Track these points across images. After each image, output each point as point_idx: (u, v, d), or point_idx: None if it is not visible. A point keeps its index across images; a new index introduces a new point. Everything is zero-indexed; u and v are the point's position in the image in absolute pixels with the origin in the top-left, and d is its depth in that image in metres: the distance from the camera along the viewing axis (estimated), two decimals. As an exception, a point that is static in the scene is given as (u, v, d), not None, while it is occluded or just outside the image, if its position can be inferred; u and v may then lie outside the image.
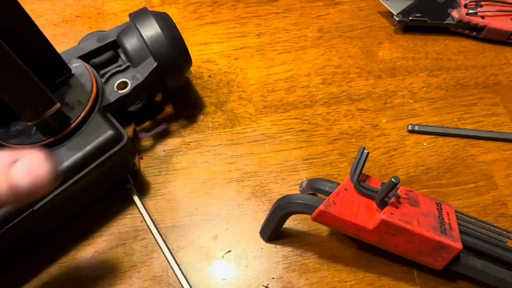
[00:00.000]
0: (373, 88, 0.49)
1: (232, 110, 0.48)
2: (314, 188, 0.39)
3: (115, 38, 0.42)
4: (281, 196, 0.38)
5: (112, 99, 0.39)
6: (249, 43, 0.53)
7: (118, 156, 0.37)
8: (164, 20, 0.41)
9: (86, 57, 0.41)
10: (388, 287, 0.39)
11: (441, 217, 0.35)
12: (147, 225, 0.41)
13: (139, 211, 0.42)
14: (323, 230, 0.41)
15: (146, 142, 0.46)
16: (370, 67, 0.51)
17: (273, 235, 0.40)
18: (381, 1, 0.53)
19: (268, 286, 0.39)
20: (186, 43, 0.42)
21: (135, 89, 0.40)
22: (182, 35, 0.42)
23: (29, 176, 0.23)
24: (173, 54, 0.41)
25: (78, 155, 0.35)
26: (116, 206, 0.42)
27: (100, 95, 0.38)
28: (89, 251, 0.40)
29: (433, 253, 0.35)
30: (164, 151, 0.46)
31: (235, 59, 0.51)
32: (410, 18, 0.52)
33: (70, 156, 0.35)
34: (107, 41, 0.42)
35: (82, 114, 0.36)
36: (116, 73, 0.41)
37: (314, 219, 0.35)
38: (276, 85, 0.49)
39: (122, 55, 0.42)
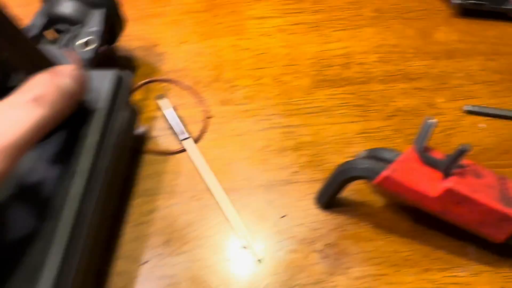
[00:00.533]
0: (430, 69, 0.49)
1: (288, 82, 0.48)
2: (375, 156, 0.39)
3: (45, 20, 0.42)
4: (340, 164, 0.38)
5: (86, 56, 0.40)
6: (306, 19, 0.53)
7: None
8: None
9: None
10: (443, 260, 0.39)
11: (505, 190, 0.35)
12: (207, 185, 0.42)
13: (198, 170, 0.42)
14: (378, 201, 0.41)
15: (196, 108, 0.47)
16: (427, 48, 0.51)
17: (329, 202, 0.40)
18: (440, -16, 0.53)
19: (323, 251, 0.39)
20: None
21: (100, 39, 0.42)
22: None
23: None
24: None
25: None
26: (168, 166, 0.43)
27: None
28: (144, 208, 0.41)
29: (495, 224, 0.34)
30: (221, 117, 0.46)
31: (291, 34, 0.52)
32: (468, 1, 0.52)
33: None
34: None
35: None
36: (72, 39, 0.42)
37: (376, 185, 0.35)
38: (332, 61, 0.50)
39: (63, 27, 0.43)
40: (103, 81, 0.33)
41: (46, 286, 0.25)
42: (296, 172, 0.43)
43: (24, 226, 0.27)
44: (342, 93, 0.48)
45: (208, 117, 0.46)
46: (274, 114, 0.46)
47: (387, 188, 0.35)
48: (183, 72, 0.49)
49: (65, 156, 0.30)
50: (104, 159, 0.32)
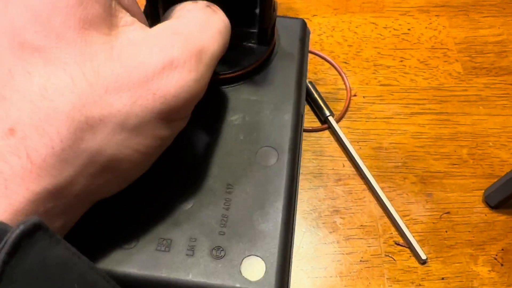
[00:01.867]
0: None
1: (437, 66, 0.43)
2: None
3: None
4: (508, 162, 0.32)
5: None
6: (451, 2, 0.48)
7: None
8: None
9: None
10: None
11: None
12: (358, 170, 0.36)
13: (347, 153, 0.37)
14: (557, 206, 0.36)
15: (342, 86, 0.42)
16: None
17: (504, 201, 0.35)
18: None
19: (497, 257, 0.33)
20: None
21: None
22: None
23: None
24: None
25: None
26: (312, 145, 0.38)
27: None
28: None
29: None
30: (363, 97, 0.41)
31: (436, 15, 0.47)
32: None
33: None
34: None
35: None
36: None
37: None
38: (485, 48, 0.44)
39: None
40: (294, 28, 0.31)
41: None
42: (457, 164, 0.37)
43: None
44: (500, 83, 0.42)
45: (353, 95, 0.41)
46: (424, 99, 0.41)
47: None
48: (317, 46, 0.44)
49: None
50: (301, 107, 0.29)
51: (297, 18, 0.32)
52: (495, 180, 0.35)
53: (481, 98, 0.41)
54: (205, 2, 0.23)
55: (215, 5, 0.23)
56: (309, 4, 0.48)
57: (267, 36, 0.28)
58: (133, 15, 0.20)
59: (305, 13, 0.47)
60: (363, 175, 0.36)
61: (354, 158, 0.37)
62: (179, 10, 0.22)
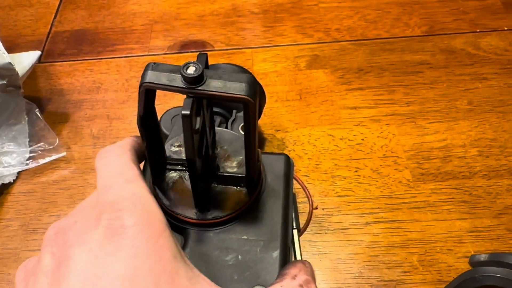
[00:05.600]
0: (535, 165, 0.48)
1: (388, 175, 0.48)
2: (499, 262, 0.37)
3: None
4: (454, 267, 0.36)
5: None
6: (399, 111, 0.53)
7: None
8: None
9: None
10: None
11: None
12: None
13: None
14: (500, 309, 0.39)
15: (304, 198, 0.46)
16: (528, 143, 0.50)
17: (451, 309, 0.38)
18: (535, 79, 0.53)
19: None
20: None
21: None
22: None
23: None
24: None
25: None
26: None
27: None
28: None
29: None
30: (323, 209, 0.46)
31: (386, 124, 0.52)
32: None
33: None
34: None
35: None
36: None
37: (514, 296, 0.33)
38: (431, 154, 0.49)
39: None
40: (279, 164, 0.34)
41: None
42: (408, 272, 0.41)
43: None
44: (446, 187, 0.47)
45: (314, 208, 0.45)
46: (377, 208, 0.45)
47: (526, 301, 0.33)
48: (281, 161, 0.49)
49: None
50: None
51: (281, 154, 0.35)
52: (443, 286, 0.39)
53: (429, 204, 0.46)
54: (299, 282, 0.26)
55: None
56: (273, 120, 0.53)
57: (253, 181, 0.32)
58: None
59: (269, 128, 0.53)
60: (322, 290, 0.40)
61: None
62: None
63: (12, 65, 0.46)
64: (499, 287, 0.34)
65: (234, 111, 0.44)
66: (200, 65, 0.24)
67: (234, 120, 0.43)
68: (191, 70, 0.24)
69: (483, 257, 0.39)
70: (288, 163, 0.35)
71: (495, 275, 0.34)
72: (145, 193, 0.25)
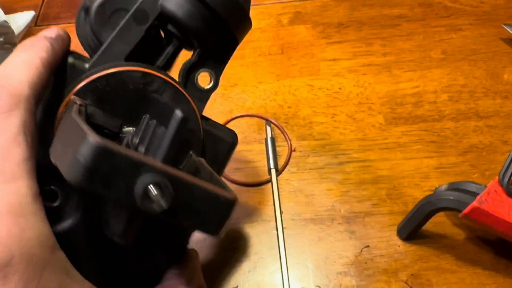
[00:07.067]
0: (501, 107, 0.51)
1: (363, 119, 0.51)
2: (458, 189, 0.40)
3: (159, 9, 0.29)
4: (419, 199, 0.40)
5: (202, 104, 0.31)
6: (376, 61, 0.56)
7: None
8: None
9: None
10: (530, 293, 0.39)
11: None
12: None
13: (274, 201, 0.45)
14: (459, 234, 0.42)
15: (283, 142, 0.50)
16: (496, 88, 0.52)
17: (412, 234, 0.42)
18: (506, 28, 0.55)
19: (408, 282, 0.40)
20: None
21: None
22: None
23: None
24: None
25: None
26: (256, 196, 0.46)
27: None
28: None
29: None
30: (300, 151, 0.49)
31: (363, 74, 0.55)
32: (537, 44, 0.54)
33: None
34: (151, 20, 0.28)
35: None
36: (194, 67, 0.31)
37: (464, 216, 0.36)
38: (404, 100, 0.52)
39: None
40: (223, 142, 0.32)
41: None
42: (376, 204, 0.45)
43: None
44: (416, 130, 0.50)
45: (293, 151, 0.49)
46: (350, 149, 0.49)
47: (475, 219, 0.36)
48: (262, 110, 0.53)
49: None
50: None
51: (228, 130, 0.32)
52: (408, 215, 0.43)
53: (399, 145, 0.49)
54: None
55: None
56: (256, 73, 0.56)
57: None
58: None
59: (253, 81, 0.56)
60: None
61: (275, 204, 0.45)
62: None
63: (8, 23, 0.49)
64: (453, 208, 0.37)
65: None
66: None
67: (193, 64, 0.31)
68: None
69: (444, 187, 0.43)
70: (232, 144, 0.32)
71: (448, 197, 0.37)
72: (30, 217, 0.21)
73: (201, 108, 0.31)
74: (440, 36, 0.58)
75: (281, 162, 0.48)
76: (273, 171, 0.47)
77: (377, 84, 0.54)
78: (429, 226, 0.43)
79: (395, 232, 0.43)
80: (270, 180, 0.47)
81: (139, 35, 0.28)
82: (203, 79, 0.31)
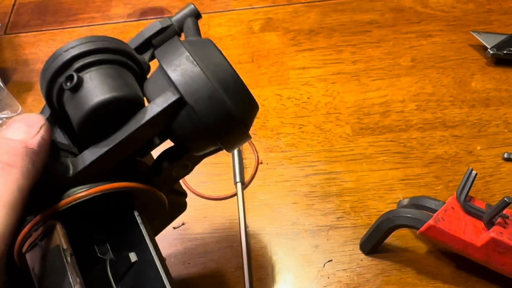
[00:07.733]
0: (467, 117, 0.51)
1: (330, 130, 0.51)
2: (418, 205, 0.41)
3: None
4: (383, 212, 0.40)
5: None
6: (345, 69, 0.56)
7: None
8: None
9: None
10: (487, 307, 0.40)
11: (548, 241, 0.37)
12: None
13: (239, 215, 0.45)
14: (421, 247, 0.43)
15: (250, 154, 0.50)
16: (463, 97, 0.53)
17: (373, 248, 0.42)
18: (475, 35, 0.55)
19: (369, 296, 0.41)
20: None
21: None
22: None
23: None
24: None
25: None
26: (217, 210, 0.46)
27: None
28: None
29: (540, 275, 0.36)
30: (267, 163, 0.49)
31: (332, 83, 0.55)
32: (505, 52, 0.54)
33: None
34: None
35: None
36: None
37: (422, 233, 0.37)
38: (372, 109, 0.52)
39: None
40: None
41: None
42: (341, 217, 0.45)
43: None
44: (382, 140, 0.50)
45: (260, 163, 0.49)
46: (317, 161, 0.49)
47: (431, 237, 0.37)
48: (230, 121, 0.52)
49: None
50: None
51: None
52: (371, 229, 0.43)
53: (365, 156, 0.49)
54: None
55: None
56: (225, 82, 0.56)
57: None
58: None
59: (222, 90, 0.55)
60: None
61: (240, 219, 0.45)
62: None
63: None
64: (410, 225, 0.38)
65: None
66: None
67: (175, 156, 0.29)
68: None
69: (406, 201, 0.43)
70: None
71: (406, 215, 0.38)
72: None
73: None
74: (410, 43, 0.58)
75: (248, 175, 0.48)
76: (239, 185, 0.47)
77: (346, 93, 0.54)
78: (391, 239, 0.43)
79: (358, 246, 0.43)
80: (236, 194, 0.47)
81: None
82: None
